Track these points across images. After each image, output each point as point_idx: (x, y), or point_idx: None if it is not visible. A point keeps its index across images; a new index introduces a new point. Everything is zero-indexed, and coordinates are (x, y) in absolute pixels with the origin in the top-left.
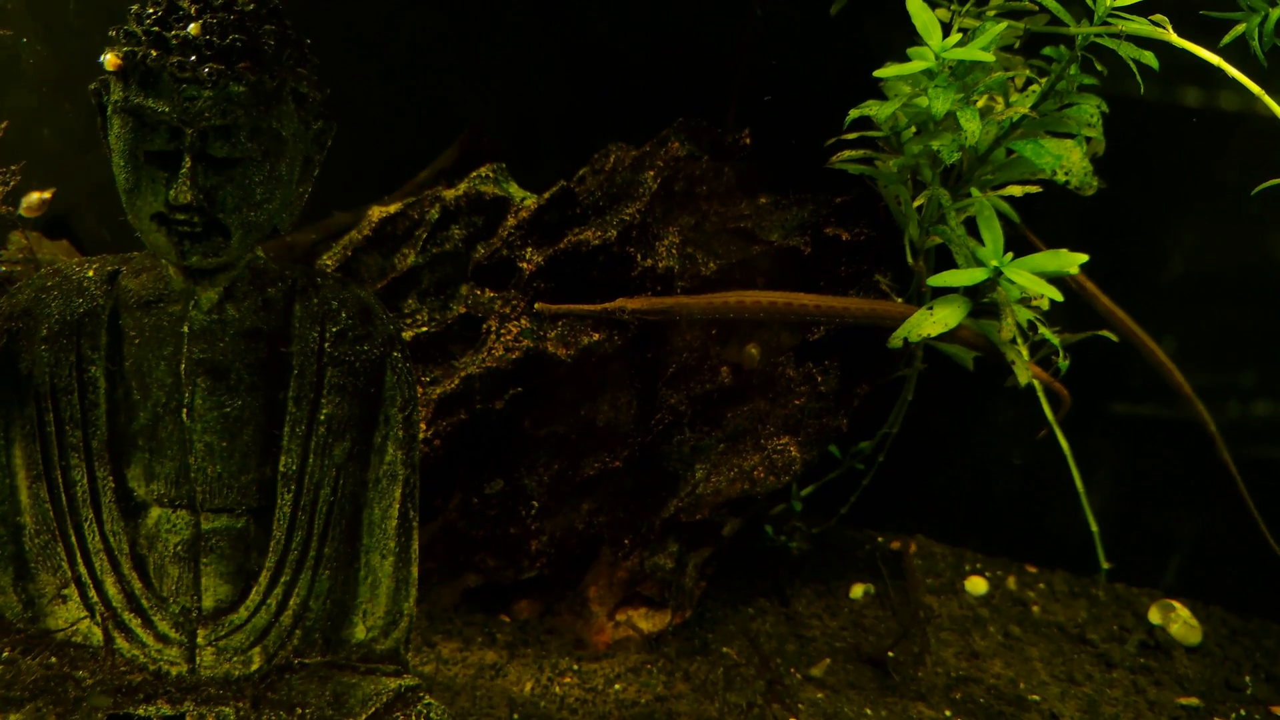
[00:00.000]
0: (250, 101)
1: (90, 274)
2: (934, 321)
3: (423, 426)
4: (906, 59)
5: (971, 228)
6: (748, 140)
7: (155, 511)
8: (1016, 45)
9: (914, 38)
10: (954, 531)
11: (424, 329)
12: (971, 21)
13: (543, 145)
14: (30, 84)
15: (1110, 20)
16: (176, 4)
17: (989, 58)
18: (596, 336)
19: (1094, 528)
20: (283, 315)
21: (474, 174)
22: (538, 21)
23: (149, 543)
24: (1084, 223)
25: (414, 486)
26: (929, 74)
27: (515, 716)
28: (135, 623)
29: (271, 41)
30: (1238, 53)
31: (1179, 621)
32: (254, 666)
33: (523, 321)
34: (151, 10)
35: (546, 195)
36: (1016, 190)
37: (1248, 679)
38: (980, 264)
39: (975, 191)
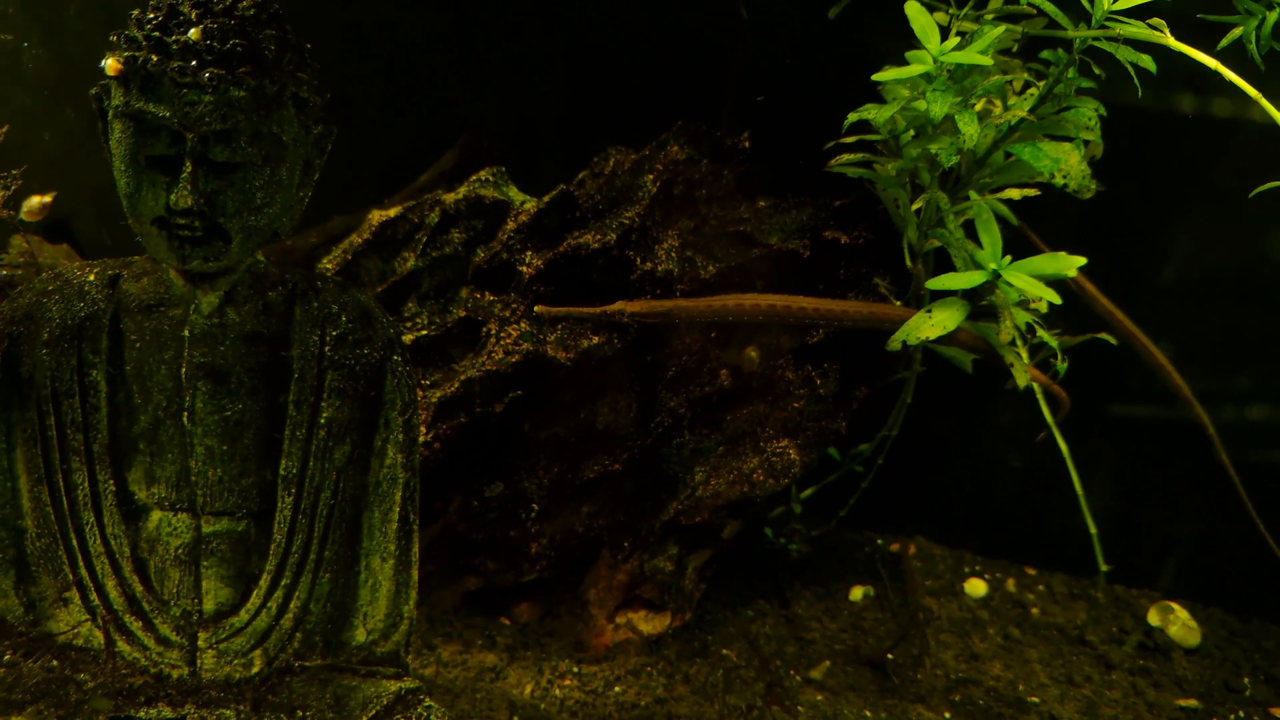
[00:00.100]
0: (251, 106)
1: (91, 278)
2: (933, 324)
3: (423, 430)
4: (905, 63)
5: (970, 231)
6: (747, 144)
7: (156, 515)
8: (1014, 49)
9: (912, 41)
10: (953, 533)
11: (424, 332)
12: (969, 25)
13: (542, 149)
14: (31, 88)
15: (1108, 24)
16: (177, 9)
17: (987, 61)
18: (596, 339)
19: (1093, 530)
20: (283, 319)
21: (474, 178)
22: (537, 25)
23: (150, 546)
24: (1084, 224)
25: (414, 489)
26: (927, 77)
27: (515, 719)
28: (136, 626)
29: (272, 46)
30: (1235, 56)
31: (1178, 623)
32: (255, 669)
33: (522, 324)
34: (152, 15)
35: (546, 199)
36: (1015, 193)
37: (1246, 680)
38: (979, 267)
39: (974, 194)
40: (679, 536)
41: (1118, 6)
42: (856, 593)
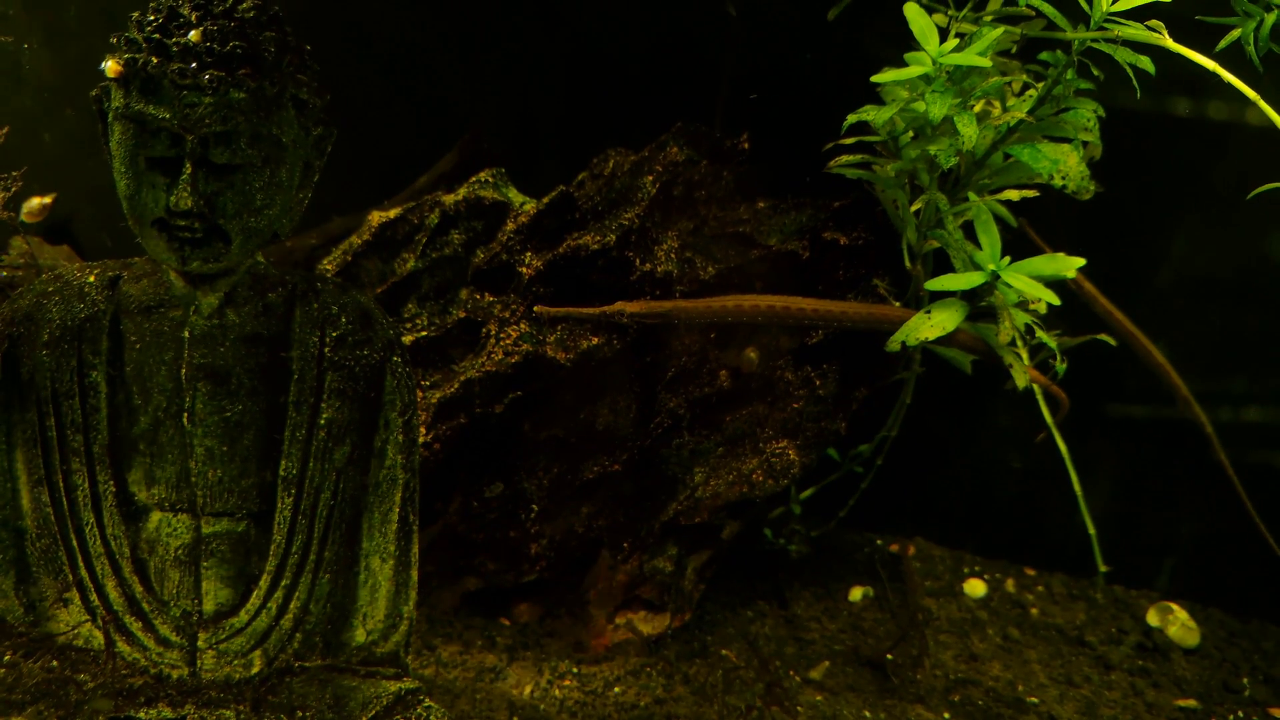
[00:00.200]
0: (251, 108)
1: (91, 279)
2: (932, 325)
3: (422, 430)
4: (904, 64)
5: (969, 232)
6: (746, 145)
7: (156, 515)
8: (1013, 50)
9: (911, 43)
10: (953, 534)
11: (424, 333)
12: (968, 27)
13: (542, 150)
14: (32, 90)
15: (1106, 25)
16: (177, 11)
17: (986, 63)
18: (596, 340)
19: (1092, 530)
20: (283, 320)
21: (473, 179)
22: (537, 26)
23: (150, 547)
24: (1083, 225)
25: (414, 490)
26: (926, 79)
27: (515, 719)
28: (136, 626)
29: (272, 48)
30: (1234, 58)
31: (1177, 624)
32: (254, 670)
33: (522, 325)
34: (152, 17)
35: (546, 200)
36: (1014, 194)
37: (1245, 681)
38: (978, 268)
39: (973, 196)
40: (679, 537)
41: (1116, 8)
42: (856, 593)
